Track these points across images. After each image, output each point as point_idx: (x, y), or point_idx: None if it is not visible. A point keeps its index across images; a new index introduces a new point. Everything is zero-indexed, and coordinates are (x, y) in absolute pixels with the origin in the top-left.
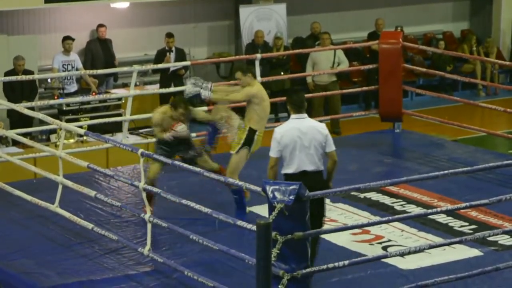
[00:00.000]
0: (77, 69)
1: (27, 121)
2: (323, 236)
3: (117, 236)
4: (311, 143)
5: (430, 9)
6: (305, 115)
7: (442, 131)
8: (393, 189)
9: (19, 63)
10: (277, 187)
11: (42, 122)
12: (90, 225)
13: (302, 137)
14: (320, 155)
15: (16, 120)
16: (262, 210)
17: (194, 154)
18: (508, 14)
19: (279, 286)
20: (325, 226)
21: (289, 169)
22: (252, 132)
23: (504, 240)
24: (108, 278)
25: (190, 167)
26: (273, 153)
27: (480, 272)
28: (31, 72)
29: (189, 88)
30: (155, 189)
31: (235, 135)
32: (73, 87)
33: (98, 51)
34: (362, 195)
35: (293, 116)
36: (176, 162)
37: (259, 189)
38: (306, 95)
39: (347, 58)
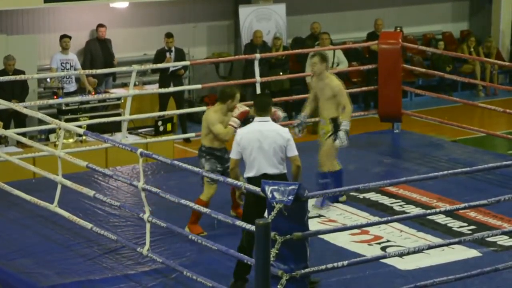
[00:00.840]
0: (75, 69)
1: (20, 121)
2: (322, 236)
3: (116, 236)
4: (270, 146)
5: (430, 10)
6: (268, 118)
7: (442, 131)
8: (392, 189)
9: (10, 62)
10: (276, 187)
11: (41, 122)
12: (89, 225)
13: (262, 140)
14: (280, 159)
15: (7, 120)
16: None
17: None
18: (508, 14)
19: (278, 286)
20: (325, 226)
21: (250, 173)
22: (334, 120)
23: (503, 240)
24: (107, 278)
25: (189, 166)
26: (232, 155)
27: (479, 272)
28: (22, 72)
29: (342, 140)
30: (154, 189)
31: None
32: (72, 87)
33: (98, 51)
34: (361, 195)
35: (256, 118)
36: (176, 162)
37: (258, 189)
38: (305, 95)
39: (346, 58)
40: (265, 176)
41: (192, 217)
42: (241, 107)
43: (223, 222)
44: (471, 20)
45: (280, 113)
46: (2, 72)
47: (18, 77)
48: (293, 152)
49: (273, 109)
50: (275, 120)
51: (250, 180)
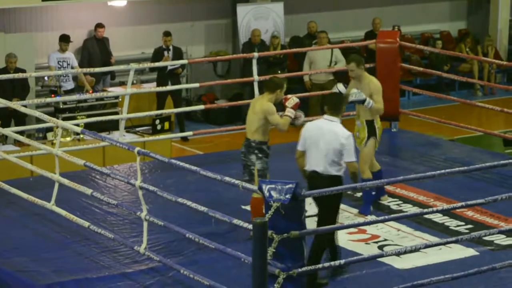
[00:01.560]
0: (72, 67)
1: (20, 120)
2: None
3: (113, 234)
4: (326, 147)
5: (428, 9)
6: (336, 119)
7: (439, 130)
8: (390, 188)
9: (11, 60)
10: (273, 186)
11: (38, 120)
12: (86, 223)
13: (320, 138)
14: (333, 161)
15: (7, 119)
16: None
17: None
18: (506, 14)
19: (275, 285)
20: None
21: (307, 165)
22: (370, 123)
23: (500, 239)
24: (104, 276)
25: (187, 165)
26: (299, 146)
27: (476, 271)
28: (23, 70)
29: (356, 93)
30: (151, 187)
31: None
32: (70, 85)
33: (95, 50)
34: (358, 194)
35: (325, 116)
36: (173, 161)
37: (255, 187)
38: (303, 94)
39: (344, 57)
40: (315, 173)
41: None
42: (294, 98)
43: (221, 220)
44: (469, 19)
45: (293, 100)
46: (2, 70)
47: (16, 76)
48: (349, 158)
49: (289, 96)
50: (285, 106)
51: (306, 172)
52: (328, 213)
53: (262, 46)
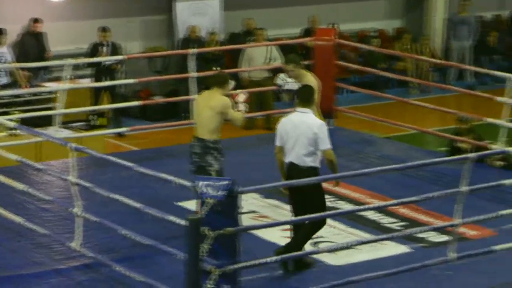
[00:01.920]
0: (7, 62)
1: None
2: (254, 232)
3: (47, 231)
4: (300, 139)
5: (365, 7)
6: (308, 110)
7: (375, 128)
8: (324, 185)
9: None
10: (208, 182)
11: None
12: (20, 219)
13: (294, 130)
14: (308, 152)
15: None
16: (193, 205)
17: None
18: (441, 13)
19: (209, 282)
20: (257, 222)
21: (285, 158)
22: None
23: (432, 237)
24: (37, 273)
25: (122, 161)
26: (275, 141)
27: (409, 268)
28: None
29: (290, 82)
30: (86, 184)
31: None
32: (5, 80)
33: (31, 44)
34: None
35: (297, 109)
36: (108, 157)
37: (190, 184)
38: (240, 91)
39: (281, 54)
40: (292, 165)
41: None
42: (244, 93)
43: (155, 216)
44: (405, 18)
45: (244, 95)
46: None
47: None
48: (324, 146)
49: (238, 91)
50: (236, 101)
51: (285, 166)
52: (315, 200)
53: (199, 43)
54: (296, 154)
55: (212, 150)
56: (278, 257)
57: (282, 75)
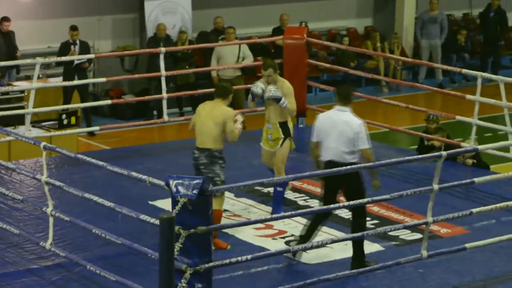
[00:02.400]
0: None
1: None
2: (226, 230)
3: (18, 230)
4: (340, 137)
5: (335, 5)
6: (347, 108)
7: None
8: (297, 183)
9: None
10: (180, 181)
11: None
12: None
13: (333, 129)
14: (349, 150)
15: None
16: (165, 204)
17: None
18: (411, 11)
19: (182, 280)
20: (229, 221)
21: (323, 156)
22: (283, 125)
23: (404, 235)
24: (9, 272)
25: (93, 160)
26: (312, 137)
27: (381, 266)
28: None
29: (273, 90)
30: (57, 183)
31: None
32: None
33: (0, 43)
34: (265, 190)
35: (336, 107)
36: (80, 156)
37: (162, 183)
38: (211, 89)
39: (252, 53)
40: (332, 163)
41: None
42: (241, 114)
43: (127, 215)
44: (375, 17)
45: (241, 117)
46: None
47: None
48: (363, 145)
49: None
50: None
51: (325, 163)
52: (358, 194)
53: (167, 41)
54: (336, 152)
55: (219, 160)
56: (249, 256)
57: (259, 83)
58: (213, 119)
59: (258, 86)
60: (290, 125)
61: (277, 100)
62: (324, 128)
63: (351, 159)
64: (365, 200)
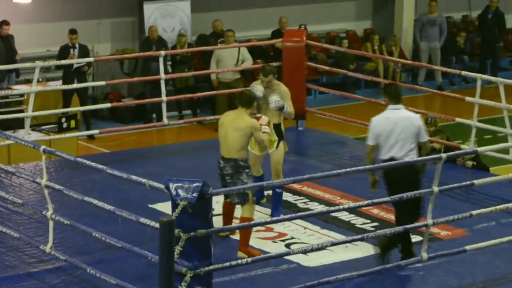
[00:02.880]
0: None
1: None
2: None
3: (18, 234)
4: (402, 134)
5: (334, 8)
6: (401, 106)
7: (345, 129)
8: (296, 186)
9: None
10: (180, 184)
11: None
12: None
13: (394, 127)
14: (412, 146)
15: None
16: (165, 207)
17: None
18: (410, 13)
19: (182, 284)
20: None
21: (383, 156)
22: (278, 127)
23: None
24: (9, 276)
25: (93, 163)
26: (369, 141)
27: (382, 268)
28: None
29: (276, 101)
30: (57, 186)
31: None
32: None
33: (0, 47)
34: (265, 193)
35: (389, 106)
36: (79, 159)
37: (162, 186)
38: (210, 93)
39: (251, 55)
40: (392, 160)
41: (243, 239)
42: (264, 117)
43: (127, 219)
44: (374, 19)
45: (265, 119)
46: None
47: None
48: (425, 138)
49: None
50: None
51: (383, 162)
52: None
53: (160, 43)
54: (398, 150)
55: (246, 169)
56: (249, 259)
57: (259, 87)
58: (237, 129)
59: (259, 90)
60: (283, 127)
61: (281, 108)
62: (384, 129)
63: (412, 154)
64: (365, 202)
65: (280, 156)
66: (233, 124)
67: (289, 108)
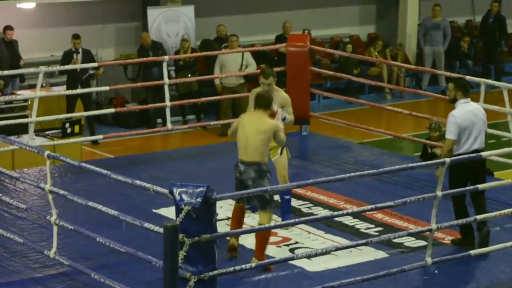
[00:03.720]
0: None
1: None
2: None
3: (22, 239)
4: (482, 125)
5: (337, 13)
6: (469, 99)
7: (349, 134)
8: (300, 191)
9: None
10: (184, 189)
11: None
12: None
13: (476, 120)
14: (484, 135)
15: None
16: (169, 212)
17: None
18: (414, 18)
19: None
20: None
21: (466, 149)
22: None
23: (409, 242)
24: (13, 281)
25: (97, 168)
26: (453, 136)
27: (386, 273)
28: None
29: (282, 114)
30: (61, 191)
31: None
32: None
33: (3, 52)
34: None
35: (462, 100)
36: (83, 164)
37: (166, 191)
38: (214, 98)
39: (255, 60)
40: (476, 151)
41: (260, 247)
42: (279, 110)
43: (131, 224)
44: (378, 24)
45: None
46: None
47: None
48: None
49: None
50: (273, 115)
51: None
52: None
53: (155, 47)
54: (481, 141)
55: (268, 173)
56: (253, 264)
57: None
58: (260, 132)
59: (282, 115)
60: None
61: (283, 119)
62: (469, 122)
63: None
64: (369, 207)
65: (285, 162)
66: (255, 127)
67: (290, 116)
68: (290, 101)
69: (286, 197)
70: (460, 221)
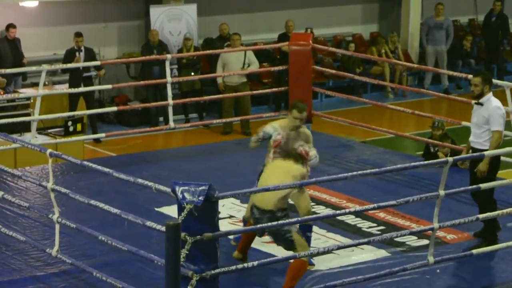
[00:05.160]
0: None
1: None
2: (233, 237)
3: (24, 237)
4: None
5: (340, 11)
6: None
7: (352, 132)
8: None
9: None
10: (186, 187)
11: None
12: None
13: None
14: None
15: None
16: (171, 210)
17: None
18: (416, 16)
19: (188, 287)
20: (235, 227)
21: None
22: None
23: (411, 241)
24: (15, 280)
25: (99, 167)
26: (502, 128)
27: (388, 272)
28: None
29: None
30: (63, 190)
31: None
32: None
33: (6, 50)
34: None
35: (491, 93)
36: (85, 162)
37: (168, 189)
38: (216, 96)
39: (257, 59)
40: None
41: (292, 279)
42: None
43: (133, 222)
44: (380, 22)
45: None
46: None
47: None
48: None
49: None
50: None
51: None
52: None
53: (160, 47)
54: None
55: (283, 218)
56: (256, 262)
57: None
58: (288, 173)
59: (277, 130)
60: None
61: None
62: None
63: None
64: (371, 206)
65: (308, 198)
66: (284, 167)
67: (317, 157)
68: (312, 138)
69: (309, 234)
70: (483, 215)
